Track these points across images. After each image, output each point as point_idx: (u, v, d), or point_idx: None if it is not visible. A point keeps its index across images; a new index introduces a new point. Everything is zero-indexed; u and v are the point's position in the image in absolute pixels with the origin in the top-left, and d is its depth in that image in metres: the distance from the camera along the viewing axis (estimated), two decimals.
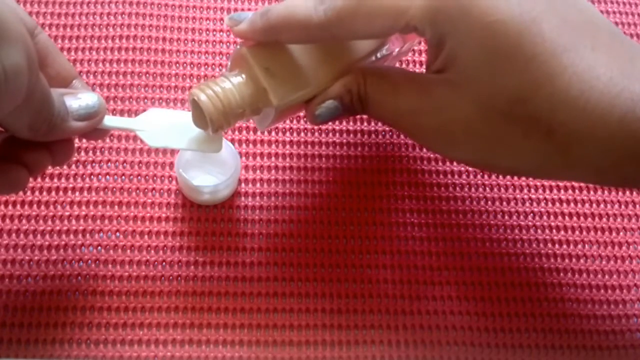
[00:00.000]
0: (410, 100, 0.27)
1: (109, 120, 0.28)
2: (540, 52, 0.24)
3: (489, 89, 0.25)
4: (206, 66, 0.39)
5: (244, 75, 0.28)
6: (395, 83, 0.28)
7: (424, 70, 0.29)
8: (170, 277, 0.33)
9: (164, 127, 0.29)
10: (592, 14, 0.26)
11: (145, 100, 0.37)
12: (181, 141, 0.29)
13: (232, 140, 0.37)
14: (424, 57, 0.40)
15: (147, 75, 0.38)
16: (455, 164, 0.38)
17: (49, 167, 0.35)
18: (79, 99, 0.27)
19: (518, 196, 0.37)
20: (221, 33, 0.40)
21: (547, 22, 0.24)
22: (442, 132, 0.27)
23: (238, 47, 0.28)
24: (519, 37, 0.24)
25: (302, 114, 0.38)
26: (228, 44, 0.40)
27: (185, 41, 0.40)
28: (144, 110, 0.30)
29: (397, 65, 0.40)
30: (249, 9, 0.41)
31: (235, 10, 0.41)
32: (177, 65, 0.39)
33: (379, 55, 0.30)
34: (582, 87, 0.23)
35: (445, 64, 0.26)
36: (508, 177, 0.37)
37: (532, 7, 0.24)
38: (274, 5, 0.27)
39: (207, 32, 0.40)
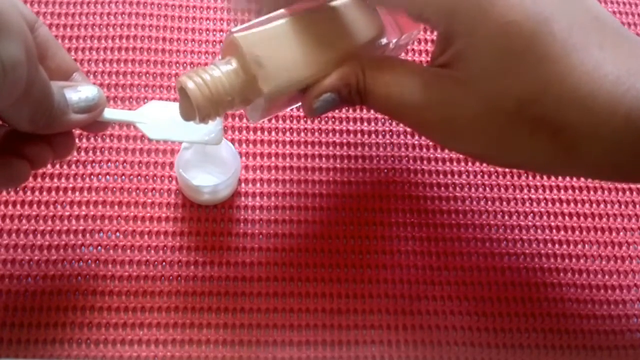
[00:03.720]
0: (413, 95, 0.27)
1: (109, 113, 0.28)
2: (550, 52, 0.24)
3: (497, 88, 0.25)
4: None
5: (234, 63, 0.27)
6: (395, 76, 0.27)
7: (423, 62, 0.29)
8: (170, 277, 0.33)
9: (164, 119, 0.29)
10: (597, 11, 0.26)
11: (146, 100, 0.37)
12: (181, 134, 0.29)
13: (232, 140, 0.37)
14: (423, 58, 0.40)
15: (147, 75, 0.38)
16: (455, 164, 0.38)
17: (50, 166, 0.35)
18: (79, 92, 0.27)
19: (518, 196, 0.37)
20: (221, 33, 0.40)
21: (557, 22, 0.24)
22: (445, 127, 0.27)
23: (228, 33, 0.27)
24: (532, 38, 0.24)
25: (299, 113, 0.38)
26: None
27: (185, 41, 0.40)
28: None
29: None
30: (249, 9, 0.41)
31: (235, 10, 0.41)
32: (177, 65, 0.39)
33: (375, 46, 0.30)
34: (591, 87, 0.23)
35: (452, 60, 0.26)
36: (508, 177, 0.37)
37: (544, 8, 0.24)
38: None
39: (207, 32, 0.40)
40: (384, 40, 0.30)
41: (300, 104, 0.29)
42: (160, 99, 0.38)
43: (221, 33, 0.40)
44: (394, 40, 0.30)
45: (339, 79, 0.28)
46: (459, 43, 0.25)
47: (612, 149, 0.24)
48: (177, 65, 0.39)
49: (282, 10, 0.28)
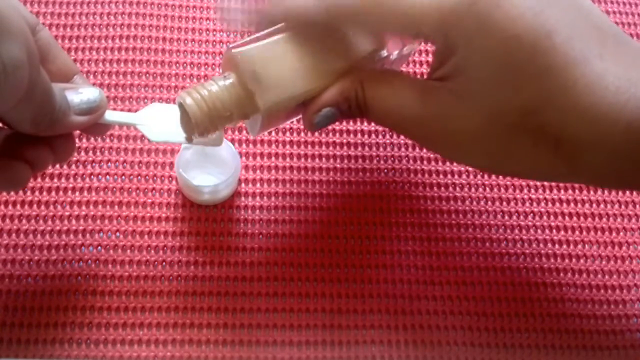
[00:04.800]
0: (413, 108, 0.27)
1: (110, 115, 0.28)
2: (552, 65, 0.24)
3: (498, 101, 0.25)
4: (206, 66, 0.39)
5: (231, 78, 0.27)
6: (395, 89, 0.27)
7: (422, 72, 0.28)
8: (170, 277, 0.33)
9: (165, 121, 0.29)
10: (597, 18, 0.26)
11: (146, 100, 0.37)
12: (182, 136, 0.29)
13: (232, 140, 0.37)
14: (424, 57, 0.40)
15: (147, 75, 0.38)
16: (455, 164, 0.38)
17: (50, 167, 0.35)
18: (81, 94, 0.27)
19: (518, 196, 0.37)
20: (221, 33, 0.40)
21: (558, 35, 0.24)
22: (446, 140, 0.27)
23: (227, 48, 0.28)
24: (533, 52, 0.24)
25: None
26: (228, 44, 0.40)
27: (185, 41, 0.40)
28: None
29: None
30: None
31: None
32: (177, 65, 0.39)
33: (376, 59, 0.30)
34: (592, 99, 0.24)
35: (451, 73, 0.26)
36: (508, 177, 0.37)
37: (546, 20, 0.24)
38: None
39: (207, 32, 0.40)
40: (384, 53, 0.30)
41: (300, 116, 0.29)
42: (161, 98, 0.38)
43: (221, 33, 0.40)
44: (395, 53, 0.30)
45: (339, 93, 0.28)
46: (457, 56, 0.25)
47: (614, 159, 0.24)
48: (177, 65, 0.39)
49: (281, 25, 0.28)
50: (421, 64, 0.40)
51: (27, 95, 0.23)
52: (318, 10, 0.26)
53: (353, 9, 0.26)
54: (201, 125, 0.27)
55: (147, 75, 0.38)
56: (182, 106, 0.27)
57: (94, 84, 0.38)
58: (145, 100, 0.37)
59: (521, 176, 0.30)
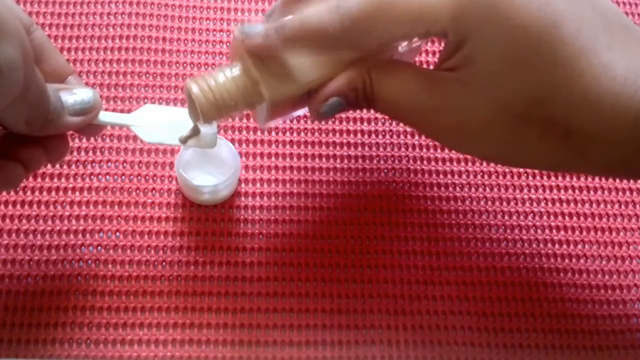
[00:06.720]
0: (421, 99, 0.27)
1: (104, 116, 0.29)
2: (559, 56, 0.24)
3: (506, 92, 0.25)
4: (206, 66, 0.39)
5: (238, 67, 0.27)
6: (403, 80, 0.27)
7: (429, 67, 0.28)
8: (170, 277, 0.33)
9: (159, 123, 0.30)
10: (605, 7, 0.25)
11: (145, 100, 0.37)
12: (175, 138, 0.29)
13: (232, 140, 0.37)
14: (428, 58, 0.40)
15: (147, 75, 0.38)
16: (455, 164, 0.38)
17: (48, 167, 0.35)
18: (75, 94, 0.27)
19: (518, 196, 0.37)
20: (221, 33, 0.40)
21: (566, 25, 0.24)
22: (453, 131, 0.27)
23: (234, 38, 0.28)
24: (539, 42, 0.24)
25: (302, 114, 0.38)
26: (228, 44, 0.40)
27: (185, 41, 0.40)
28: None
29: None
30: (249, 9, 0.41)
31: (235, 10, 0.41)
32: (177, 65, 0.39)
33: (383, 49, 0.30)
34: (599, 90, 0.23)
35: (460, 64, 0.26)
36: (508, 177, 0.37)
37: (553, 10, 0.24)
38: (288, 19, 0.27)
39: (207, 32, 0.40)
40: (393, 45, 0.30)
41: (307, 108, 0.29)
42: (160, 98, 0.38)
43: (221, 33, 0.40)
44: (404, 44, 0.30)
45: (346, 83, 0.27)
46: (467, 47, 0.25)
47: (622, 150, 0.24)
48: (177, 65, 0.39)
49: (290, 17, 0.28)
50: (429, 64, 0.40)
51: (21, 96, 0.23)
52: (333, 24, 0.26)
53: (367, 19, 0.25)
54: (207, 115, 0.27)
55: (147, 75, 0.38)
56: (189, 95, 0.27)
57: (93, 84, 0.38)
58: (145, 100, 0.37)
59: (530, 166, 0.30)
